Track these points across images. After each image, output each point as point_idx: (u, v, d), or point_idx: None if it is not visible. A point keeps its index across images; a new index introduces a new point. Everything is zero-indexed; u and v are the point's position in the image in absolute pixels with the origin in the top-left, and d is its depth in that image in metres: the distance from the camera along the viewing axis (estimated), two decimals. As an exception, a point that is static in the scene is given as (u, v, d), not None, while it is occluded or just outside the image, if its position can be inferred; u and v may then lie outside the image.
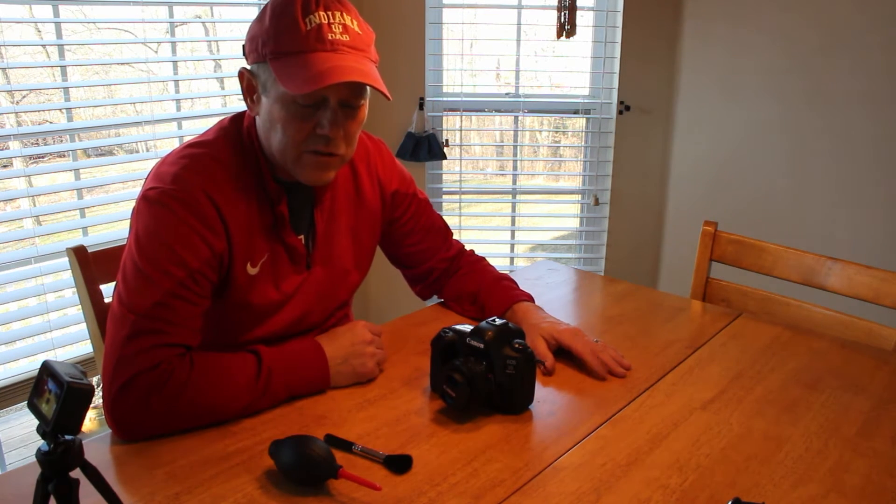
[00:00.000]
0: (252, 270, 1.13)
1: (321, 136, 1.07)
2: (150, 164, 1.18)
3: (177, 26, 2.88)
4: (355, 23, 1.07)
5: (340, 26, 1.04)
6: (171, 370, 0.98)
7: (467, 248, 1.47)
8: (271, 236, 1.15)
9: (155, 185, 1.07)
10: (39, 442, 0.70)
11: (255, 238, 1.12)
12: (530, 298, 1.34)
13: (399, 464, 0.93)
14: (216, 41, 3.09)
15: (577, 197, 2.99)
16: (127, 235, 1.10)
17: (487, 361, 1.02)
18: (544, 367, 1.18)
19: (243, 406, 1.03)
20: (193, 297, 1.04)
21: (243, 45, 1.10)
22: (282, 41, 1.03)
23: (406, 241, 1.38)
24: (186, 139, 1.17)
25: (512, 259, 3.08)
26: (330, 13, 1.04)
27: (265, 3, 1.24)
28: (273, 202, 1.13)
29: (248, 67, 1.09)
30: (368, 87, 1.08)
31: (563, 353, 1.23)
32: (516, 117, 2.90)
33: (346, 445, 0.96)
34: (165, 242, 1.02)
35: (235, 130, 1.15)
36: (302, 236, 1.19)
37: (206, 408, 1.00)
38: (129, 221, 1.12)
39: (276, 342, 1.20)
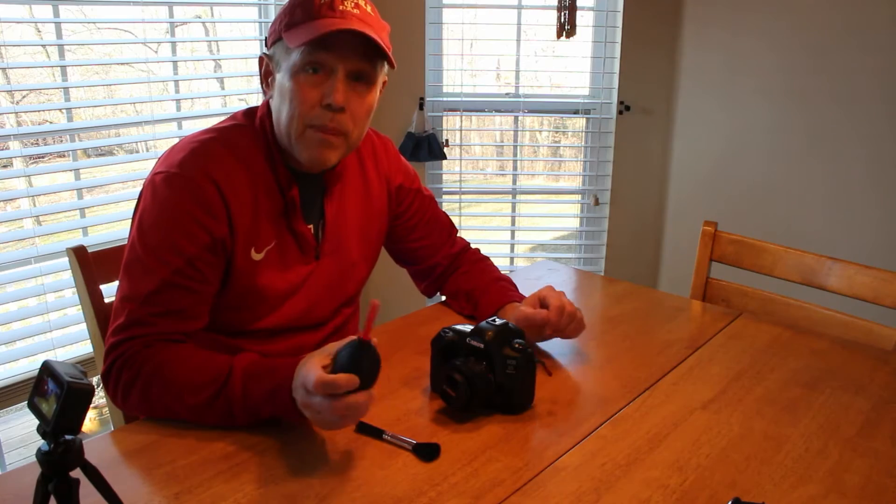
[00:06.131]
0: (256, 256, 1.13)
1: (327, 107, 1.06)
2: (150, 165, 1.19)
3: (177, 26, 2.87)
4: (369, 7, 1.10)
5: (352, 3, 1.07)
6: (144, 360, 0.99)
7: (473, 246, 1.46)
8: (280, 224, 1.15)
9: (160, 169, 1.09)
10: (39, 442, 0.69)
11: (261, 224, 1.12)
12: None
13: (428, 451, 0.94)
14: (216, 41, 3.08)
15: (577, 197, 2.99)
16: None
17: (487, 361, 1.02)
18: (545, 367, 1.18)
19: (203, 402, 0.96)
20: (192, 285, 1.05)
21: (266, 37, 1.14)
22: (295, 14, 1.07)
23: (410, 236, 1.38)
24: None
25: (512, 259, 3.08)
26: None
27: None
28: (284, 189, 1.14)
29: (267, 52, 1.12)
30: (377, 66, 1.10)
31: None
32: (516, 117, 2.90)
33: (377, 432, 0.98)
34: (164, 229, 1.04)
35: (249, 119, 1.17)
36: (311, 226, 1.20)
37: (170, 398, 0.98)
38: (129, 221, 1.12)
39: (283, 334, 1.20)
